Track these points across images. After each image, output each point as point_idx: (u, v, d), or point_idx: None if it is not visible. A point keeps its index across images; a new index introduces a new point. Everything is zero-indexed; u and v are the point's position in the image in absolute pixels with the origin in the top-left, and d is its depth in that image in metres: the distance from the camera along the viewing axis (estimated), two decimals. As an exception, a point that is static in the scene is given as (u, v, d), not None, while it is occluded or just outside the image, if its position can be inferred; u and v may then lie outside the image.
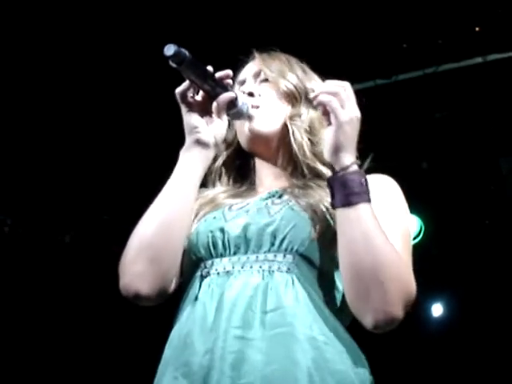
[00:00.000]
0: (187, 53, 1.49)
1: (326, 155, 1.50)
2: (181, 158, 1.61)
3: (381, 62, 3.90)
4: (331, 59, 3.44)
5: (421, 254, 4.53)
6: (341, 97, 1.47)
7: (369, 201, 1.46)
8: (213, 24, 3.52)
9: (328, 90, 1.48)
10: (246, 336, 1.42)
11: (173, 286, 1.59)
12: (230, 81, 1.62)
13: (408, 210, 1.63)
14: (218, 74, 1.58)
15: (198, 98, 1.60)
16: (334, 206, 1.48)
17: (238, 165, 1.78)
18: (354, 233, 1.44)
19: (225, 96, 1.59)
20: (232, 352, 1.41)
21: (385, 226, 1.49)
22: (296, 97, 1.71)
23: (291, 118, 1.68)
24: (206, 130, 1.60)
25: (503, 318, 4.88)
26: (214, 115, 1.61)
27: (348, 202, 1.45)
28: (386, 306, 1.42)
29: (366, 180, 1.47)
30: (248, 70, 1.76)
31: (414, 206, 4.38)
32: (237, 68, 1.77)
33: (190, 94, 1.59)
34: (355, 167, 1.48)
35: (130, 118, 4.05)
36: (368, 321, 1.44)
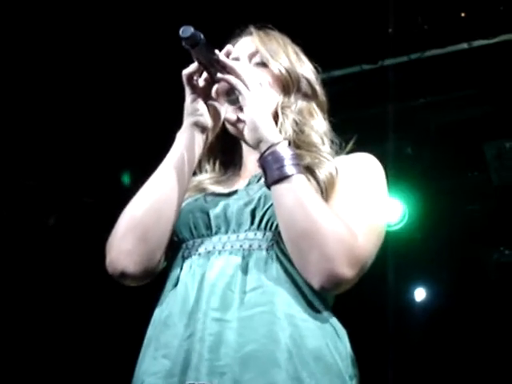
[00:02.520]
0: (202, 35, 1.49)
1: (249, 136, 1.53)
2: (178, 139, 1.61)
3: (367, 47, 3.90)
4: (317, 44, 3.43)
5: (404, 238, 4.56)
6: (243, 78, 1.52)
7: (301, 172, 1.47)
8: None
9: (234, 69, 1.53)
10: (223, 318, 1.43)
11: (159, 267, 1.60)
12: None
13: (386, 190, 1.61)
14: (221, 53, 1.56)
15: (201, 81, 1.59)
16: (267, 184, 1.49)
17: (223, 149, 1.77)
18: (288, 202, 1.45)
19: (225, 84, 1.56)
20: (211, 334, 1.42)
21: (353, 203, 1.51)
22: (289, 85, 1.69)
23: (283, 107, 1.67)
24: (205, 114, 1.60)
25: (485, 303, 4.92)
26: (213, 99, 1.60)
27: (280, 177, 1.46)
28: (326, 263, 1.41)
29: (295, 153, 1.49)
30: (243, 48, 1.72)
31: (398, 190, 4.40)
32: (228, 39, 1.74)
33: (195, 77, 1.59)
34: (284, 142, 1.49)
35: (115, 99, 4.03)
36: (315, 283, 1.44)
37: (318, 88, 1.74)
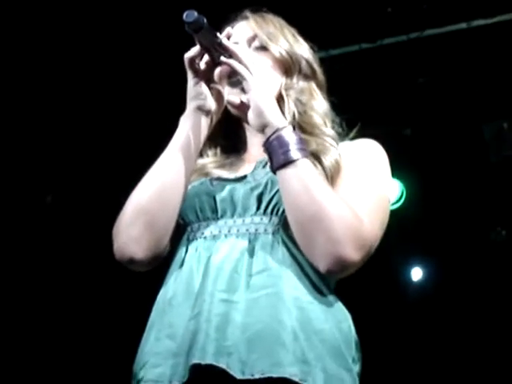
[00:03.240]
0: (205, 20, 1.49)
1: (253, 121, 1.53)
2: (181, 123, 1.61)
3: (366, 26, 3.88)
4: (316, 23, 3.42)
5: (401, 218, 4.57)
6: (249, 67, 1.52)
7: (306, 157, 1.48)
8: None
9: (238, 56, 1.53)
10: (230, 299, 1.44)
11: (166, 251, 1.61)
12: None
13: (389, 175, 1.64)
14: (222, 36, 1.56)
15: (202, 65, 1.59)
16: (273, 169, 1.50)
17: (225, 133, 1.77)
18: (294, 187, 1.46)
19: (226, 66, 1.56)
20: (217, 315, 1.43)
21: (358, 188, 1.52)
22: (290, 66, 1.70)
23: (286, 89, 1.68)
24: (208, 97, 1.60)
25: (482, 282, 4.94)
26: (216, 83, 1.60)
27: (286, 161, 1.47)
28: (332, 247, 1.43)
29: (300, 137, 1.50)
30: (241, 32, 1.72)
31: (396, 171, 4.37)
32: (225, 23, 1.73)
33: (197, 61, 1.58)
34: (289, 127, 1.50)
35: (115, 81, 4.02)
36: (321, 266, 1.46)
37: (317, 68, 1.75)
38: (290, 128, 1.50)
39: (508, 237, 4.92)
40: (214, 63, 1.58)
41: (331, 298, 1.52)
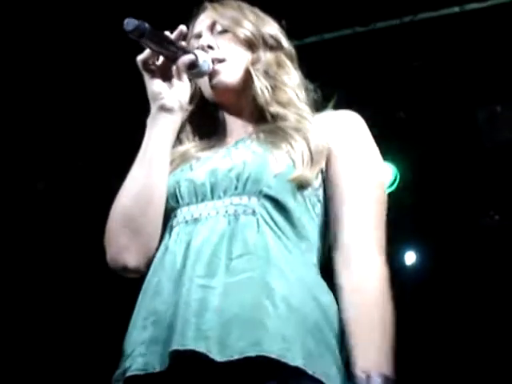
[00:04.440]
0: (146, 24, 1.50)
1: None
2: (148, 127, 1.62)
3: (359, 9, 3.87)
4: (309, 7, 3.41)
5: (395, 202, 4.56)
6: None
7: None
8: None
9: None
10: (209, 284, 1.44)
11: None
12: (184, 43, 1.63)
13: (377, 151, 1.64)
14: (173, 35, 1.59)
15: (159, 62, 1.60)
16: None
17: (202, 122, 1.78)
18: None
19: (184, 59, 1.59)
20: (196, 300, 1.42)
21: (357, 179, 1.55)
22: (254, 43, 1.71)
23: (253, 63, 1.69)
24: (169, 95, 1.60)
25: (475, 267, 4.95)
26: (175, 79, 1.61)
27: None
28: None
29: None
30: (202, 23, 1.75)
31: (390, 154, 4.39)
32: (190, 21, 1.76)
33: (151, 61, 1.59)
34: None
35: (107, 68, 4.00)
36: None
37: (284, 41, 1.76)
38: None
39: (501, 221, 4.92)
40: (170, 60, 1.60)
41: (313, 277, 1.53)
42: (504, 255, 4.86)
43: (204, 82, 1.71)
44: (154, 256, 1.59)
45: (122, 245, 1.58)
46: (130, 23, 1.49)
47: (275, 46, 1.73)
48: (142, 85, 1.63)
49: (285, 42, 1.76)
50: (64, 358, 4.67)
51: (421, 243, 5.28)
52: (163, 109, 1.60)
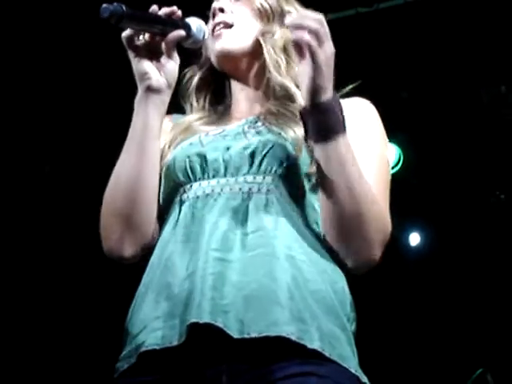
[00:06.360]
0: (123, 7, 1.44)
1: (302, 95, 1.46)
2: (136, 109, 1.57)
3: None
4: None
5: (399, 183, 4.55)
6: (319, 34, 1.39)
7: (345, 131, 1.44)
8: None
9: (306, 25, 1.39)
10: (225, 258, 1.43)
11: (155, 238, 1.59)
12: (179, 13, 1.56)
13: (386, 136, 1.64)
14: (161, 11, 1.53)
15: (146, 39, 1.54)
16: (309, 140, 1.47)
17: (213, 88, 1.76)
18: (335, 177, 1.44)
19: (172, 35, 1.54)
20: (212, 273, 1.41)
21: (362, 157, 1.51)
22: (269, 15, 1.68)
23: (263, 34, 1.66)
24: (156, 75, 1.55)
25: (480, 248, 4.95)
26: (163, 57, 1.56)
27: (326, 137, 1.43)
28: (367, 250, 1.49)
29: (341, 108, 1.44)
30: None
31: (393, 135, 4.38)
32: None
33: (136, 38, 1.54)
34: (335, 99, 1.43)
35: (100, 46, 3.99)
36: (349, 262, 1.51)
37: None
38: (334, 100, 1.43)
39: (507, 201, 4.91)
40: (159, 36, 1.53)
41: (326, 258, 1.52)
42: (510, 235, 4.85)
43: (211, 47, 1.68)
44: (149, 240, 1.58)
45: (115, 238, 1.56)
46: (104, 10, 1.42)
47: None
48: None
49: None
50: (61, 347, 4.69)
51: (425, 224, 5.28)
52: (150, 89, 1.54)
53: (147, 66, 1.54)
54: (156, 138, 1.57)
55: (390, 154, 1.44)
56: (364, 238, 1.47)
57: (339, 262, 1.53)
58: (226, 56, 1.67)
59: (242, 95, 1.70)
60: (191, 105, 1.74)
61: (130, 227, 1.55)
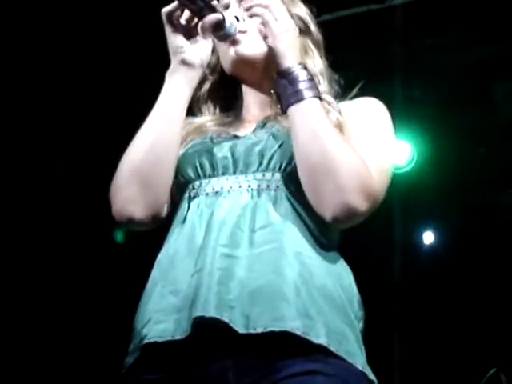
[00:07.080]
0: None
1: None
2: (167, 80, 1.59)
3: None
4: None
5: (412, 181, 4.55)
6: (271, 10, 1.52)
7: (317, 96, 1.49)
8: None
9: (258, 3, 1.54)
10: (233, 254, 1.44)
11: (165, 212, 1.61)
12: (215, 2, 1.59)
13: (392, 132, 1.64)
14: None
15: (183, 20, 1.57)
16: (283, 108, 1.51)
17: (223, 93, 1.77)
18: (305, 132, 1.47)
19: (211, 17, 1.55)
20: (220, 269, 1.42)
21: (365, 147, 1.52)
22: None
23: None
24: (190, 50, 1.58)
25: (494, 246, 4.93)
26: (199, 36, 1.58)
27: (296, 99, 1.48)
28: (341, 194, 1.45)
29: (311, 76, 1.51)
30: None
31: (406, 133, 4.36)
32: None
33: (176, 15, 1.56)
34: (299, 66, 1.51)
35: (113, 44, 3.99)
36: (328, 214, 1.47)
37: (312, 26, 1.73)
38: (300, 67, 1.51)
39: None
40: (196, 16, 1.57)
41: (334, 254, 1.53)
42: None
43: (224, 52, 1.69)
44: (161, 211, 1.58)
45: (128, 197, 1.55)
46: None
47: (302, 30, 1.69)
48: (155, 72, 1.61)
49: (313, 28, 1.73)
50: (63, 341, 4.71)
51: (439, 223, 5.26)
52: (183, 63, 1.57)
53: (182, 41, 1.57)
54: (183, 108, 1.60)
55: (395, 148, 1.45)
56: (336, 182, 1.44)
57: (320, 220, 1.51)
58: (242, 61, 1.67)
59: (254, 99, 1.71)
60: (200, 110, 1.75)
61: (146, 186, 1.55)
